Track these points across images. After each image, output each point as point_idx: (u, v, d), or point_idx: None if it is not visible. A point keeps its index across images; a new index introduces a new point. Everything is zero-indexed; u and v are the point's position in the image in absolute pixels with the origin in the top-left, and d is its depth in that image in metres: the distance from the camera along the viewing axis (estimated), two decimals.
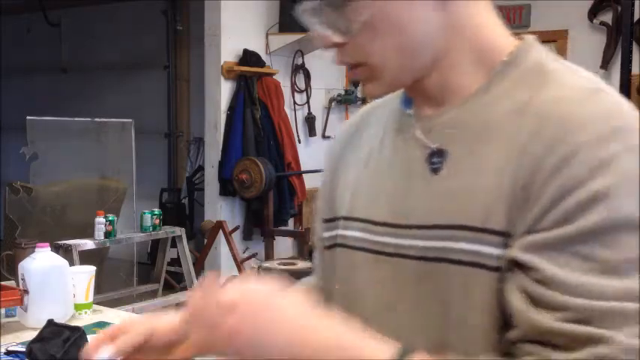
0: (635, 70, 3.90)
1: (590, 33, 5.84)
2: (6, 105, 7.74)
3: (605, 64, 5.70)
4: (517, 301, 0.73)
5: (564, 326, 0.69)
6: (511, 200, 0.75)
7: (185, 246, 5.02)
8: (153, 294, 5.13)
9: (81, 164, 5.68)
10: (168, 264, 5.40)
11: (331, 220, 0.96)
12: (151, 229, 4.78)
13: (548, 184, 0.72)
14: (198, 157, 6.82)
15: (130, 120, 5.49)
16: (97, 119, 5.49)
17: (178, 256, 5.13)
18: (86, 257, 4.02)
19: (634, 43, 4.02)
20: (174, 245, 5.13)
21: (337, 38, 0.80)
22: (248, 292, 0.75)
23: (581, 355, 0.68)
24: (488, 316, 0.76)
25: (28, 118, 4.99)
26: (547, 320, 0.71)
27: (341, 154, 0.98)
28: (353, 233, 0.90)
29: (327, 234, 0.96)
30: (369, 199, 0.90)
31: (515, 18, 6.17)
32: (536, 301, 0.72)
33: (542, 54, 0.83)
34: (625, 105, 0.76)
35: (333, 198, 0.97)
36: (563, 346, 0.70)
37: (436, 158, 0.82)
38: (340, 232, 0.93)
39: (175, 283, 5.78)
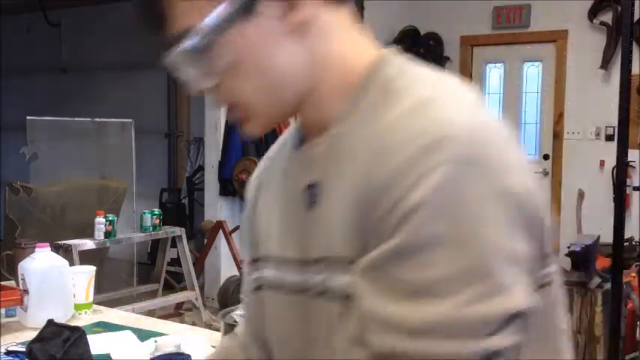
0: (635, 70, 3.91)
1: (590, 33, 5.84)
2: (6, 105, 7.74)
3: (605, 64, 5.71)
4: (342, 336, 0.75)
5: None
6: (357, 230, 0.73)
7: (185, 246, 5.02)
8: (153, 294, 5.13)
9: (81, 164, 5.68)
10: (169, 264, 5.40)
11: (255, 261, 0.96)
12: (150, 229, 4.78)
13: (378, 208, 0.70)
14: (198, 157, 6.83)
15: (130, 120, 5.49)
16: (97, 119, 5.49)
17: (178, 256, 5.13)
18: (86, 257, 4.02)
19: (634, 43, 4.02)
20: (174, 245, 5.13)
21: (206, 83, 0.80)
22: None
23: None
24: (347, 350, 0.75)
25: (28, 118, 4.99)
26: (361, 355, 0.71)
27: (257, 193, 0.98)
28: (268, 273, 0.91)
29: (252, 276, 0.96)
30: (269, 237, 0.91)
31: (515, 18, 6.17)
32: (355, 337, 0.73)
33: (393, 70, 0.79)
34: (458, 113, 0.71)
35: (255, 239, 0.97)
36: None
37: (310, 192, 0.82)
38: (260, 273, 0.94)
39: (175, 283, 5.78)
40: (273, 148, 0.98)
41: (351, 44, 0.82)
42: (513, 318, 0.67)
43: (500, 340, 0.66)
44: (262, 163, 1.00)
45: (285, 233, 0.87)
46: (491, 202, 0.67)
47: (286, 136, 0.95)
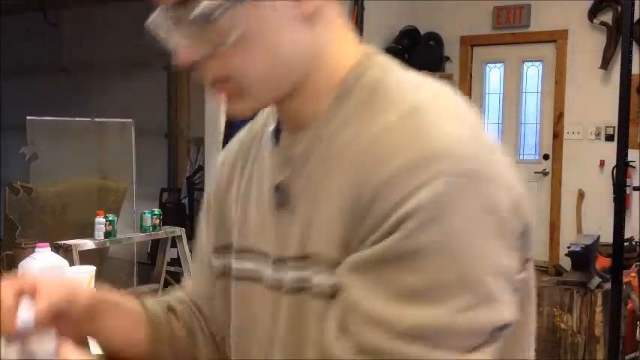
0: (635, 70, 3.90)
1: (590, 33, 5.84)
2: (6, 105, 7.74)
3: (605, 64, 5.71)
4: (327, 324, 0.73)
5: (354, 358, 0.68)
6: (345, 230, 0.74)
7: (185, 246, 5.02)
8: (153, 294, 5.13)
9: (81, 164, 5.68)
10: (168, 264, 5.40)
11: (224, 248, 0.94)
12: (150, 229, 4.78)
13: (370, 213, 0.71)
14: (198, 157, 6.82)
15: (130, 120, 5.49)
16: (97, 119, 5.49)
17: (178, 256, 5.13)
18: (86, 257, 4.02)
19: (634, 43, 4.02)
20: (174, 245, 5.13)
21: (205, 52, 0.76)
22: None
23: None
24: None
25: (28, 118, 4.99)
26: (340, 350, 0.70)
27: (231, 172, 0.96)
28: (242, 265, 0.89)
29: (217, 262, 0.94)
30: (246, 228, 0.89)
31: (515, 18, 6.18)
32: (339, 328, 0.71)
33: (378, 73, 0.80)
34: (450, 124, 0.72)
35: (223, 224, 0.95)
36: None
37: (281, 191, 0.82)
38: (232, 263, 0.92)
39: (175, 283, 5.78)
40: (244, 134, 0.96)
41: (341, 42, 0.82)
42: (499, 330, 0.69)
43: (483, 356, 0.68)
44: (235, 144, 0.97)
45: (261, 228, 0.86)
46: (482, 217, 0.69)
47: (260, 123, 0.93)
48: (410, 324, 0.67)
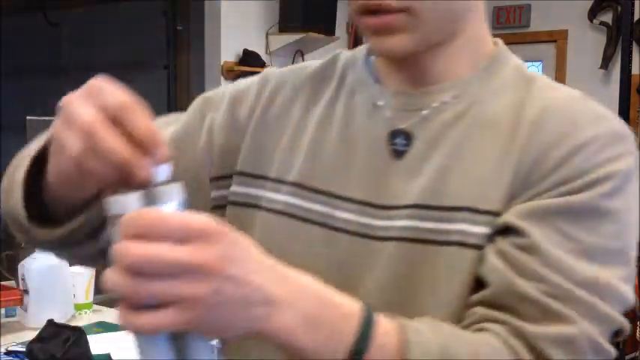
0: (635, 70, 3.90)
1: (590, 33, 5.84)
2: (6, 105, 7.74)
3: (605, 64, 5.70)
4: (494, 261, 0.73)
5: (540, 297, 0.70)
6: (510, 188, 0.76)
7: None
8: None
9: None
10: None
11: (255, 177, 0.88)
12: None
13: (552, 174, 0.75)
14: None
15: None
16: None
17: None
18: None
19: (634, 43, 4.01)
20: None
21: None
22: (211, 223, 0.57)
23: (552, 331, 0.69)
24: (463, 297, 0.75)
25: (28, 118, 4.99)
26: (525, 286, 0.71)
27: (269, 103, 0.91)
28: (304, 203, 0.84)
29: (240, 189, 0.89)
30: (332, 171, 0.85)
31: (515, 18, 6.17)
32: (514, 266, 0.72)
33: (517, 60, 0.87)
34: (609, 111, 0.80)
35: (259, 151, 0.89)
36: (529, 316, 0.70)
37: (401, 139, 0.82)
38: (273, 195, 0.86)
39: None
40: (304, 73, 0.92)
41: (482, 19, 0.86)
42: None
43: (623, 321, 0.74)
44: (288, 76, 0.93)
45: (346, 170, 0.83)
46: None
47: (338, 68, 0.90)
48: (587, 276, 0.71)
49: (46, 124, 0.79)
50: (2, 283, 2.38)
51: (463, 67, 0.83)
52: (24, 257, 2.17)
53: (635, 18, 3.85)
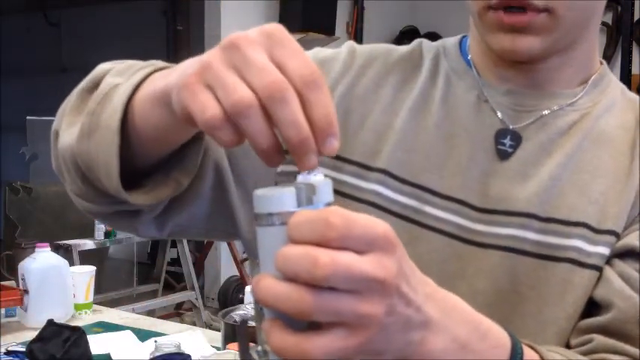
0: (635, 70, 3.90)
1: None
2: (6, 105, 7.74)
3: None
4: (620, 284, 0.70)
5: None
6: (632, 210, 0.74)
7: (185, 246, 5.02)
8: (153, 294, 5.13)
9: None
10: (169, 264, 5.40)
11: (356, 165, 0.80)
12: None
13: None
14: None
15: None
16: None
17: (178, 256, 5.13)
18: (86, 257, 4.02)
19: (634, 43, 4.01)
20: (174, 245, 5.13)
21: None
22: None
23: None
24: (572, 318, 0.72)
25: (28, 118, 4.99)
26: None
27: (359, 76, 0.83)
28: (390, 194, 0.77)
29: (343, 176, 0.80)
30: (427, 163, 0.78)
31: None
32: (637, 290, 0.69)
33: (619, 82, 0.86)
34: None
35: (345, 133, 0.80)
36: None
37: (508, 140, 0.77)
38: (357, 182, 0.79)
39: (175, 283, 5.78)
40: (393, 55, 0.86)
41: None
42: None
43: None
44: (375, 48, 0.87)
45: (444, 164, 0.78)
46: None
47: (426, 60, 0.85)
48: None
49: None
50: (2, 283, 2.38)
51: (574, 77, 0.81)
52: (24, 257, 2.17)
53: (635, 18, 3.85)
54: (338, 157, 0.79)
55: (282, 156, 0.50)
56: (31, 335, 1.82)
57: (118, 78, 0.68)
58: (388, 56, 0.86)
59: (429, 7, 6.48)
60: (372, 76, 0.84)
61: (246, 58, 0.49)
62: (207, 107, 0.49)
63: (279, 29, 0.52)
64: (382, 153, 0.79)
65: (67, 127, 0.72)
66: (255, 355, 0.61)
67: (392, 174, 0.78)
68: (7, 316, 2.14)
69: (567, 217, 0.74)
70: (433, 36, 6.46)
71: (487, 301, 0.73)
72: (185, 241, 5.04)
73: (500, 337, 0.58)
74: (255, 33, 0.51)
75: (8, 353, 1.84)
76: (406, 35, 6.39)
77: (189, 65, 0.56)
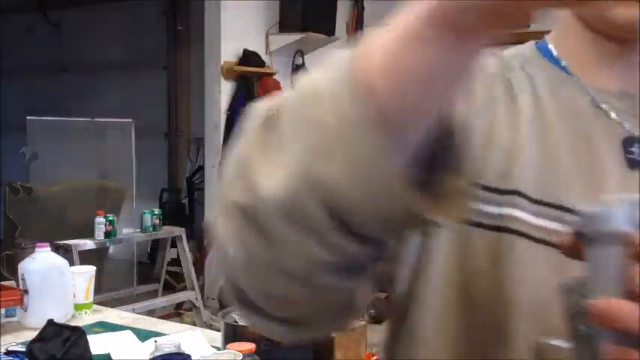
0: None
1: None
2: (6, 105, 7.74)
3: None
4: None
5: None
6: None
7: (185, 246, 5.02)
8: (153, 294, 5.13)
9: (81, 164, 5.69)
10: (169, 264, 5.40)
11: (496, 192, 0.70)
12: (151, 229, 4.78)
13: None
14: (198, 157, 6.83)
15: (130, 120, 5.49)
16: (96, 119, 5.49)
17: (178, 256, 5.13)
18: (86, 257, 4.02)
19: None
20: (174, 245, 5.13)
21: None
22: None
23: None
24: None
25: (28, 118, 5.00)
26: None
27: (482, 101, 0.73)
28: (548, 224, 0.69)
29: (488, 208, 0.70)
30: (560, 182, 0.71)
31: None
32: None
33: None
34: None
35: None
36: None
37: (636, 148, 0.72)
38: (516, 213, 0.69)
39: (175, 283, 5.79)
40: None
41: None
42: None
43: None
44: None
45: (586, 180, 0.71)
46: None
47: (514, 65, 0.77)
48: None
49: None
50: (2, 283, 2.38)
51: None
52: (24, 257, 2.17)
53: None
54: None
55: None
56: (31, 335, 1.82)
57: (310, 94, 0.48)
58: (491, 64, 0.78)
59: None
60: (481, 86, 0.74)
61: None
62: None
63: None
64: (513, 173, 0.70)
65: (269, 175, 0.48)
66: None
67: (526, 196, 0.70)
68: (7, 316, 2.14)
69: None
70: None
71: None
72: (185, 241, 5.04)
73: None
74: None
75: (8, 353, 1.84)
76: None
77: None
